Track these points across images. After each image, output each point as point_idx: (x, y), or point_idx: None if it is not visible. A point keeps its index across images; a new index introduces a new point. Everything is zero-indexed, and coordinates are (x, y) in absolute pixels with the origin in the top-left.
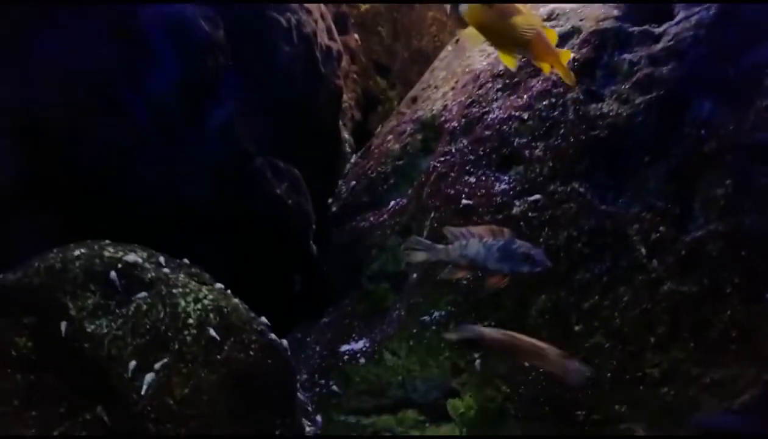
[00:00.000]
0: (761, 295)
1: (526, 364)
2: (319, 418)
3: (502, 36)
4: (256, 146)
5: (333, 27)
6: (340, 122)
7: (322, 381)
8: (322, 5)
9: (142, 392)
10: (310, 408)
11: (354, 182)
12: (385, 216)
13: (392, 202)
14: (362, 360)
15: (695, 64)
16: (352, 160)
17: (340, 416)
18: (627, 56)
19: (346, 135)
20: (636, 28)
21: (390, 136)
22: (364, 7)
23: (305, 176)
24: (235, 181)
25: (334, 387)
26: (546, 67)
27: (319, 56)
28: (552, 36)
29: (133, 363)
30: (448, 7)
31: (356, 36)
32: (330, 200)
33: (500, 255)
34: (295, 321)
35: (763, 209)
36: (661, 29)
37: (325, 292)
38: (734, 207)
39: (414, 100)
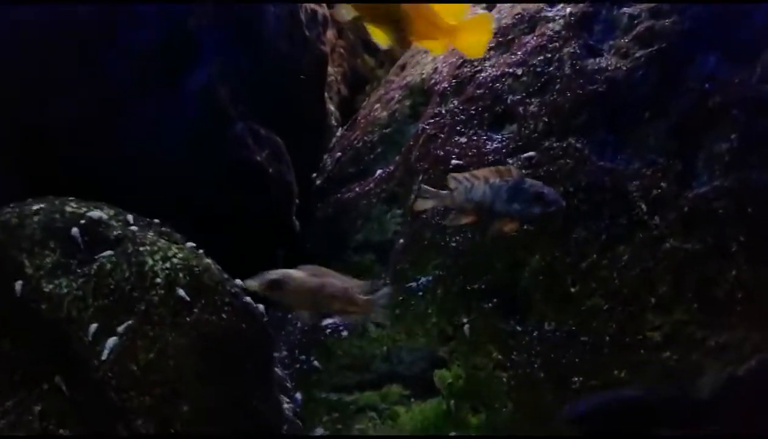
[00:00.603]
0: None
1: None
2: (298, 395)
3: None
4: (237, 110)
5: None
6: (326, 94)
7: (303, 357)
8: None
9: (104, 357)
10: (289, 385)
11: (339, 154)
12: (371, 185)
13: (379, 171)
14: (345, 333)
15: (699, 17)
16: (339, 133)
17: (321, 393)
18: (627, 10)
19: (332, 108)
20: None
21: (377, 105)
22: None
23: (289, 146)
24: (214, 145)
25: (315, 363)
26: (435, 47)
27: (303, 18)
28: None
29: (94, 326)
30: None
31: (344, 10)
32: (314, 174)
33: (509, 196)
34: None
35: None
36: None
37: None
38: (740, 163)
39: (402, 67)
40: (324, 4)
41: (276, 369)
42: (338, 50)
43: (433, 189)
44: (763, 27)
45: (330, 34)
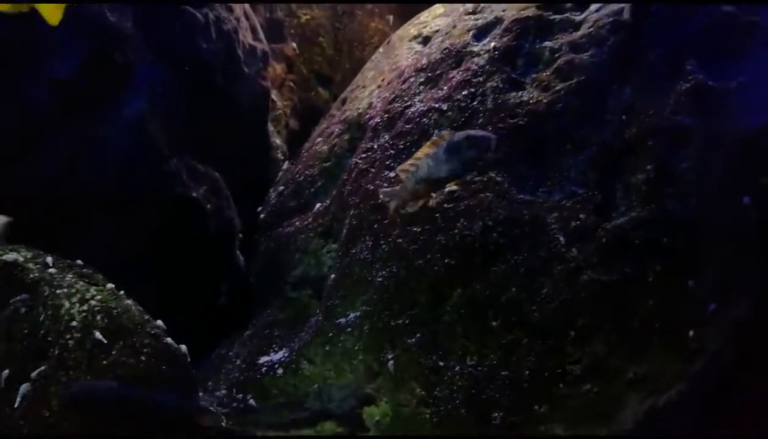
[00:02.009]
0: (684, 283)
1: None
2: None
3: None
4: (171, 146)
5: (258, 27)
6: (272, 128)
7: (240, 396)
8: (245, 6)
9: (16, 405)
10: (224, 424)
11: (282, 188)
12: (310, 219)
13: (317, 205)
14: (280, 371)
15: (615, 50)
16: (284, 167)
17: (258, 433)
18: (548, 44)
19: (278, 141)
20: (557, 16)
21: (319, 139)
22: (304, 17)
23: (230, 181)
24: (146, 180)
25: (252, 401)
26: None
27: (240, 55)
28: None
29: (6, 372)
30: (390, 17)
31: (293, 44)
32: (259, 208)
33: (447, 156)
34: (221, 335)
35: (685, 195)
36: (582, 16)
37: (252, 303)
38: (656, 193)
39: (343, 101)
40: (264, 41)
41: (212, 408)
42: (288, 84)
43: (388, 189)
44: (674, 56)
45: (279, 68)
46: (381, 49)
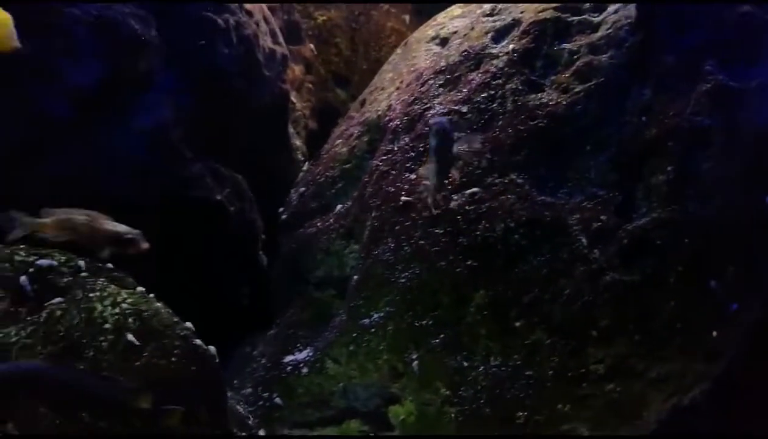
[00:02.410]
0: (705, 283)
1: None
2: (261, 432)
3: None
4: (194, 150)
5: (277, 30)
6: (292, 130)
7: (266, 394)
8: (264, 9)
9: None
10: (251, 422)
11: (303, 189)
12: (332, 220)
13: (339, 206)
14: (305, 370)
15: (634, 51)
16: (304, 168)
17: (284, 430)
18: (566, 46)
19: (298, 143)
20: (575, 18)
21: (339, 141)
22: (321, 18)
23: (252, 183)
24: (170, 185)
25: (277, 400)
26: None
27: (261, 59)
28: None
29: None
30: (406, 17)
31: (311, 46)
32: (281, 209)
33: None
34: (245, 335)
35: (705, 196)
36: (600, 18)
37: (274, 303)
38: (677, 194)
39: (362, 103)
40: (284, 44)
41: (238, 406)
42: (306, 85)
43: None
44: (694, 56)
45: (297, 70)
46: (398, 51)
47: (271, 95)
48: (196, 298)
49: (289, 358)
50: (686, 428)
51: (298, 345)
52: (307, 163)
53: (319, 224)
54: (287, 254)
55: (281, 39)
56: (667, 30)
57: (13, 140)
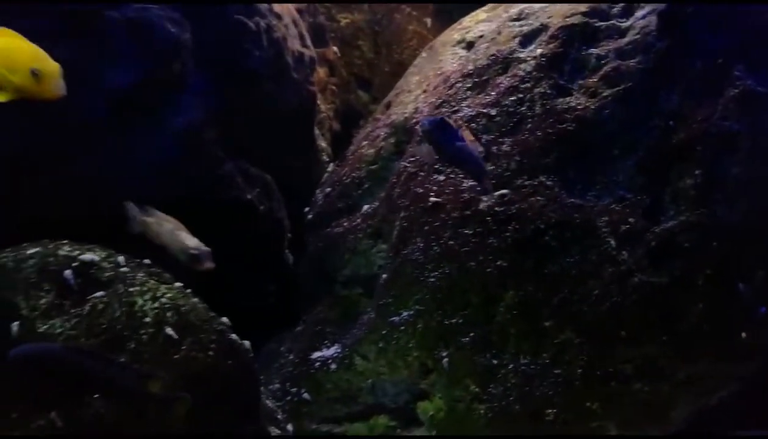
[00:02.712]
0: (734, 286)
1: None
2: (290, 427)
3: None
4: (226, 150)
5: (305, 34)
6: (317, 131)
7: (294, 389)
8: (293, 13)
9: (96, 395)
10: (280, 417)
11: (329, 189)
12: (359, 220)
13: (365, 207)
14: (333, 366)
15: (662, 56)
16: (329, 169)
17: (312, 425)
18: (594, 50)
19: (323, 144)
20: (603, 23)
21: (364, 142)
22: (344, 21)
23: (279, 183)
24: (202, 184)
25: (306, 395)
26: None
27: (290, 61)
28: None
29: None
30: (428, 20)
31: (335, 49)
32: (306, 209)
33: None
34: (270, 332)
35: (733, 200)
36: (628, 23)
37: (300, 301)
38: (705, 198)
39: (388, 105)
40: (311, 46)
41: (267, 401)
42: (330, 88)
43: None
44: (722, 61)
45: (322, 72)
46: (424, 54)
47: (299, 97)
48: (225, 294)
49: (316, 354)
50: (713, 428)
51: (326, 342)
52: (331, 164)
53: (345, 224)
54: (314, 252)
55: (309, 42)
56: (696, 35)
57: (51, 142)
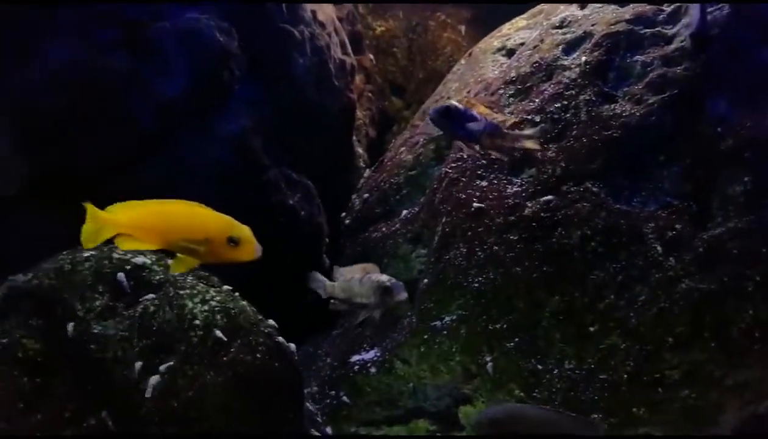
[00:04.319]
0: None
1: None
2: (329, 430)
3: None
4: (270, 157)
5: (347, 41)
6: (354, 137)
7: (333, 392)
8: (336, 21)
9: (147, 395)
10: (319, 419)
11: (367, 195)
12: (397, 225)
13: (404, 212)
14: (373, 370)
15: (709, 63)
16: (366, 174)
17: (351, 428)
18: (639, 58)
19: (360, 150)
20: (648, 30)
21: (403, 148)
22: (379, 29)
23: (318, 188)
24: (248, 190)
25: (345, 398)
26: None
27: (332, 69)
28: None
29: (138, 365)
30: (462, 27)
31: (371, 56)
32: (343, 214)
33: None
34: (307, 334)
35: None
36: (674, 30)
37: None
38: (753, 204)
39: (426, 112)
40: (352, 54)
41: (307, 404)
42: (366, 94)
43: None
44: None
45: (358, 79)
46: (462, 61)
47: (340, 104)
48: (265, 297)
49: (355, 357)
50: (762, 435)
51: (365, 345)
52: (368, 169)
53: (384, 229)
54: (352, 257)
55: (350, 50)
56: (747, 42)
57: (107, 150)
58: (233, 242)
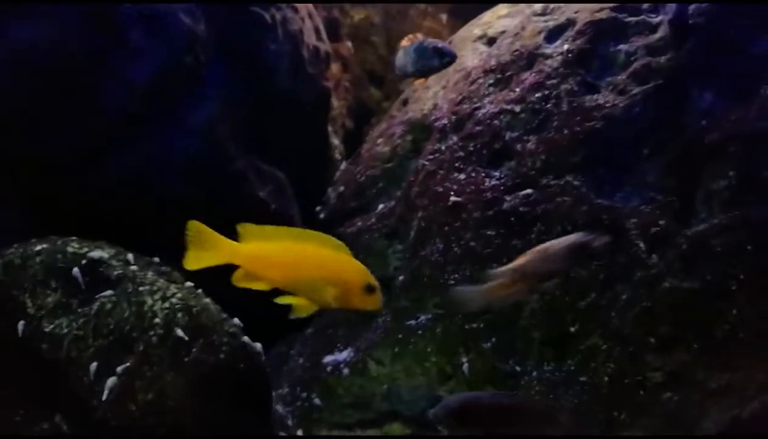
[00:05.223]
0: None
1: None
2: (300, 433)
3: None
4: (238, 147)
5: (321, 27)
6: (330, 128)
7: (304, 394)
8: (309, 5)
9: (103, 398)
10: (290, 423)
11: (342, 188)
12: (373, 220)
13: (380, 206)
14: (346, 371)
15: (694, 53)
16: (342, 167)
17: (322, 431)
18: (623, 47)
19: (336, 142)
20: (632, 19)
21: (380, 140)
22: (357, 17)
23: (291, 181)
24: (216, 181)
25: (317, 400)
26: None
27: (305, 55)
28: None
29: (94, 366)
30: (443, 16)
31: (349, 44)
32: (318, 207)
33: (414, 56)
34: (280, 334)
35: None
36: (659, 18)
37: None
38: (739, 200)
39: (404, 102)
40: (327, 41)
41: (277, 406)
42: (343, 84)
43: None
44: (759, 60)
45: (335, 68)
46: None
47: (314, 93)
48: (233, 295)
49: (328, 358)
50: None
51: (338, 345)
52: (344, 162)
53: (359, 224)
54: None
55: (325, 36)
56: (733, 32)
57: (74, 140)
58: (369, 290)
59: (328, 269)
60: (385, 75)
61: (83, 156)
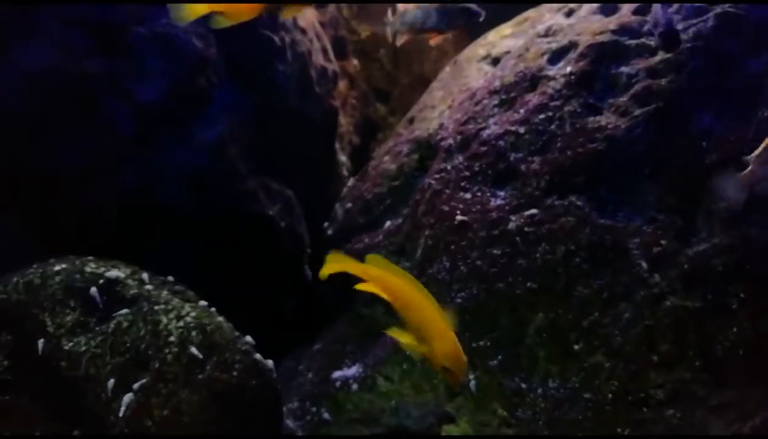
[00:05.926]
0: None
1: None
2: None
3: None
4: (248, 166)
5: (329, 48)
6: (337, 145)
7: (314, 409)
8: (317, 26)
9: (120, 414)
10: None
11: (350, 204)
12: (381, 237)
13: (387, 223)
14: (355, 386)
15: (694, 75)
16: (349, 183)
17: None
18: (624, 69)
19: (343, 158)
20: (633, 42)
21: (386, 157)
22: (364, 33)
23: (299, 198)
24: (225, 200)
25: (326, 415)
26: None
27: (313, 75)
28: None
29: (111, 383)
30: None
31: (355, 61)
32: (326, 224)
33: (438, 15)
34: (288, 348)
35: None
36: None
37: (319, 318)
38: (738, 220)
39: (411, 120)
40: (334, 60)
41: (287, 421)
42: (350, 101)
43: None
44: (756, 81)
45: (342, 85)
46: (447, 69)
47: (322, 112)
48: (243, 311)
49: (337, 374)
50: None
51: (347, 361)
52: (351, 178)
53: (367, 240)
54: None
55: (332, 56)
56: (732, 54)
57: (84, 157)
58: (446, 371)
59: (428, 327)
60: (391, 91)
61: (94, 174)
